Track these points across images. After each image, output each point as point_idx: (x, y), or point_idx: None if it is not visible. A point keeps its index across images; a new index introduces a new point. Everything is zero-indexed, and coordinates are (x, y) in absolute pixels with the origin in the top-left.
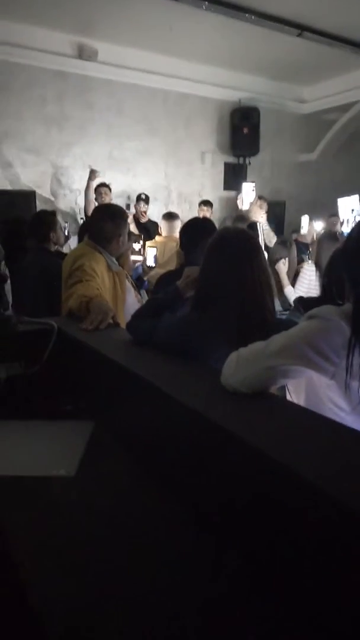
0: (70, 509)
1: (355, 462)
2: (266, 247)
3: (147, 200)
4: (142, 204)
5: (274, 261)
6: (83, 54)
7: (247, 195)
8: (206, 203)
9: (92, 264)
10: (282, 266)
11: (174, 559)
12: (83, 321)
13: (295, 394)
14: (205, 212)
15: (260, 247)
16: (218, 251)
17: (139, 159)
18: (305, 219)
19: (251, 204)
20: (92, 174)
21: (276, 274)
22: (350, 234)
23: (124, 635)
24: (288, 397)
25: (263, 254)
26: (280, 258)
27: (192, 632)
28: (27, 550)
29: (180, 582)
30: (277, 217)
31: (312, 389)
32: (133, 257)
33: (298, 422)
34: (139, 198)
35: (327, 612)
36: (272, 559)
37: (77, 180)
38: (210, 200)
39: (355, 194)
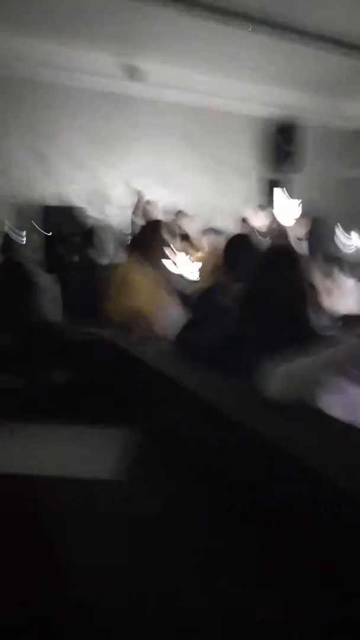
0: (118, 512)
1: None
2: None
3: (188, 216)
4: (184, 219)
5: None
6: (132, 75)
7: (283, 207)
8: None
9: (139, 277)
10: (329, 283)
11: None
12: (129, 332)
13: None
14: (247, 228)
15: (303, 264)
16: (266, 268)
17: (183, 176)
18: (355, 236)
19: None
20: (139, 195)
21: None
22: None
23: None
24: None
25: (306, 271)
26: (327, 275)
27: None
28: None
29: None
30: (320, 235)
31: (351, 404)
32: (175, 270)
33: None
34: (181, 214)
35: None
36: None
37: (124, 197)
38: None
39: None
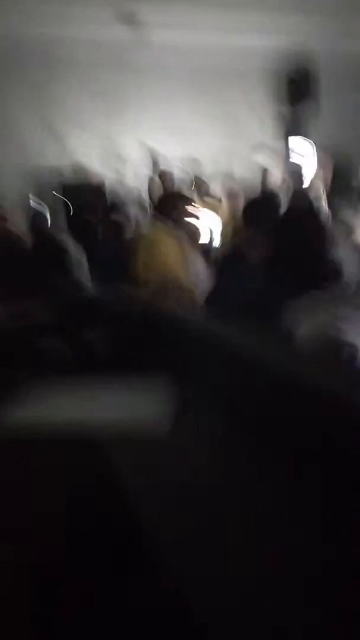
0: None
1: None
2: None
3: (200, 163)
4: (196, 167)
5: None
6: (132, 20)
7: (300, 152)
8: (261, 148)
9: (167, 240)
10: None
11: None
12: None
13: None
14: (261, 159)
15: (325, 223)
16: (286, 229)
17: (196, 123)
18: None
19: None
20: (152, 153)
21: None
22: None
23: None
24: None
25: (323, 216)
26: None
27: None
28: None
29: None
30: (342, 174)
31: None
32: (194, 223)
33: None
34: (192, 161)
35: None
36: None
37: (133, 151)
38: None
39: None
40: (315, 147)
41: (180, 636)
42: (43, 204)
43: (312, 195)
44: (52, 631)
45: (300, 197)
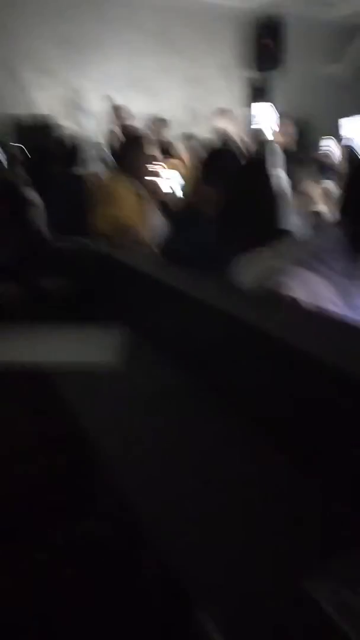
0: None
1: None
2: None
3: (164, 121)
4: (160, 125)
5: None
6: None
7: (263, 119)
8: (223, 113)
9: (123, 190)
10: (309, 186)
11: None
12: (115, 243)
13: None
14: (223, 123)
15: (271, 172)
16: (240, 181)
17: (160, 79)
18: (331, 139)
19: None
20: (112, 102)
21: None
22: None
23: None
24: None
25: (275, 179)
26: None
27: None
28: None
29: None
30: (301, 137)
31: (311, 289)
32: (154, 179)
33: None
34: (157, 120)
35: None
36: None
37: (97, 103)
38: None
39: None
40: (278, 115)
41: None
42: (2, 151)
43: (269, 160)
44: None
45: (257, 160)
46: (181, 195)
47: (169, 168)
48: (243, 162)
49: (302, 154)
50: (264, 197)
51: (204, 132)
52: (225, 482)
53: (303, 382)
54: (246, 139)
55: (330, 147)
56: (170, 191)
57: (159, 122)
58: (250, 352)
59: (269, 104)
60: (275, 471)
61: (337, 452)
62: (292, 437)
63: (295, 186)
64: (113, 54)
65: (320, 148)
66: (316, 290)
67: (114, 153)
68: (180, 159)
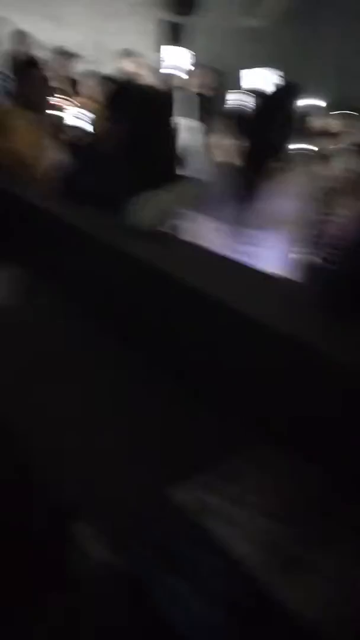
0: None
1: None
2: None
3: (71, 55)
4: (67, 59)
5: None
6: None
7: (175, 64)
8: (128, 54)
9: (20, 121)
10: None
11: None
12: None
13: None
14: (129, 65)
15: (174, 116)
16: (138, 116)
17: (70, 9)
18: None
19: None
20: (19, 37)
21: None
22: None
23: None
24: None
25: (178, 124)
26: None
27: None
28: None
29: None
30: (219, 88)
31: (202, 233)
32: (57, 113)
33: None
34: (65, 53)
35: None
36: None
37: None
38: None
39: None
40: (195, 62)
41: None
42: None
43: (177, 106)
44: None
45: (160, 103)
46: (89, 132)
47: (77, 104)
48: (147, 103)
49: (219, 105)
50: (164, 139)
51: (114, 70)
52: (103, 398)
53: (183, 312)
54: (155, 82)
55: (240, 100)
56: (77, 127)
57: (66, 56)
58: (144, 289)
59: (184, 48)
60: (150, 387)
61: (209, 368)
62: (175, 360)
63: (207, 135)
64: None
65: (227, 101)
66: (207, 234)
67: (16, 85)
68: (89, 96)
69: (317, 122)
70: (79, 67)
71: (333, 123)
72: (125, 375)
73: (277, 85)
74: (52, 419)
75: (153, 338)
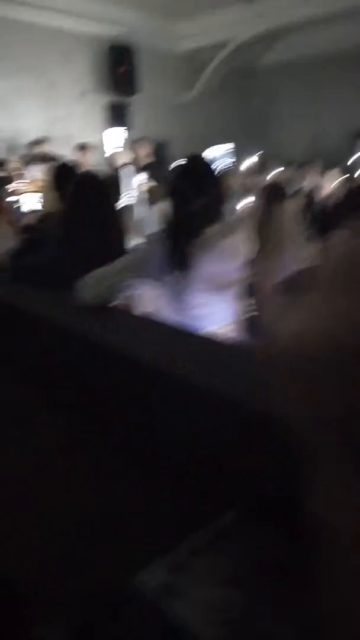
0: None
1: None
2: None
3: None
4: (15, 150)
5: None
6: None
7: (115, 143)
8: (82, 147)
9: None
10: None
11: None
12: None
13: (141, 307)
14: (84, 156)
15: (113, 191)
16: (79, 196)
17: (14, 100)
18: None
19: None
20: None
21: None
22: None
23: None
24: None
25: (117, 197)
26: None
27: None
28: None
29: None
30: (160, 158)
31: (148, 300)
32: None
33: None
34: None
35: None
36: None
37: None
38: (93, 142)
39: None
40: (137, 137)
41: None
42: None
43: (122, 182)
44: None
45: (87, 178)
46: (39, 212)
47: (30, 188)
48: (85, 182)
49: (160, 171)
50: (104, 217)
51: (64, 153)
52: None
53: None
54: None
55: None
56: (30, 210)
57: (14, 148)
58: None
59: (122, 128)
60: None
61: (154, 441)
62: (124, 435)
63: (152, 201)
64: None
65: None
66: (153, 300)
67: None
68: (39, 180)
69: (248, 180)
70: (30, 152)
71: (263, 179)
72: (77, 455)
73: (189, 155)
74: None
75: (103, 414)
